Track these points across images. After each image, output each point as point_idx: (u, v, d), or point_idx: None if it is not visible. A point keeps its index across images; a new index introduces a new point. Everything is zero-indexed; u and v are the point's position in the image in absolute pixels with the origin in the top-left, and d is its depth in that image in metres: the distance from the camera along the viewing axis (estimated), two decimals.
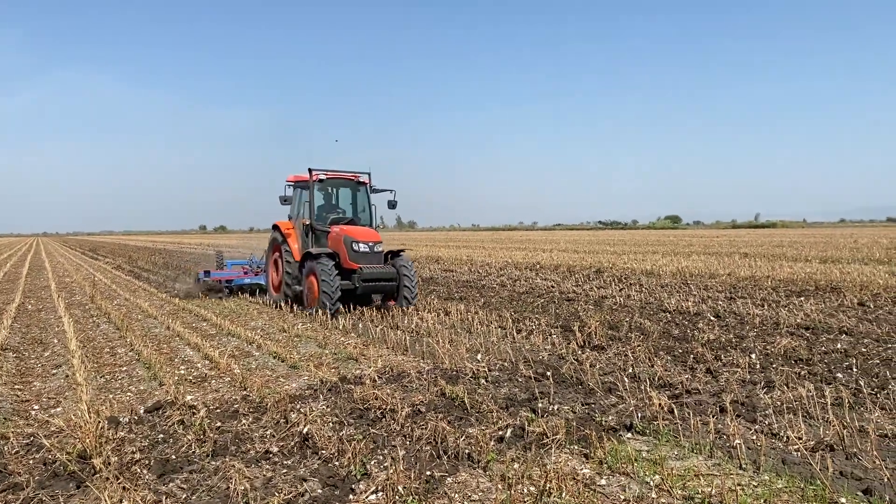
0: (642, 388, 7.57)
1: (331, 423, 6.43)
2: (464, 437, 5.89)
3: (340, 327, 12.51)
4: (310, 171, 15.57)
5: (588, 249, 42.81)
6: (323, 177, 15.71)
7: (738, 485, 4.94)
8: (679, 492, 4.85)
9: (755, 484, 5.02)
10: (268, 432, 6.21)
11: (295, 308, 15.36)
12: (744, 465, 5.35)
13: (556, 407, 6.99)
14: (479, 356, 9.45)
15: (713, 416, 6.43)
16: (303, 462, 5.49)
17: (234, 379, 8.45)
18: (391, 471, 4.96)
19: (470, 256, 36.18)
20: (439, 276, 24.50)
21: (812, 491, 4.83)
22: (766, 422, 6.41)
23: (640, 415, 6.56)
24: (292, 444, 5.86)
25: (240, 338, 11.67)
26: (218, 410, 6.95)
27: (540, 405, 7.05)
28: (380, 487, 4.82)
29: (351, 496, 4.81)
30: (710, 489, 4.80)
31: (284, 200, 16.25)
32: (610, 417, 6.61)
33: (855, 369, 8.49)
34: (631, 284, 20.08)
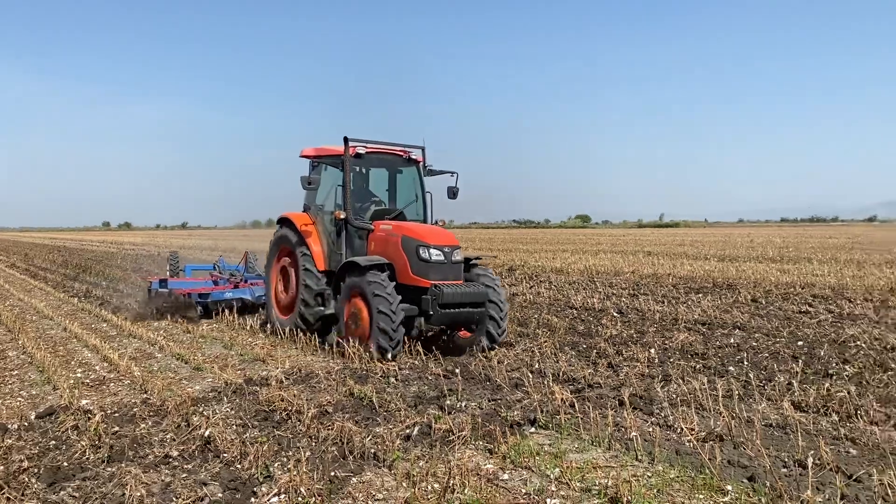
0: (546, 383, 7.76)
1: (234, 426, 6.31)
2: (370, 437, 5.89)
3: (248, 328, 12.26)
4: (346, 140, 10.50)
5: (502, 248, 43.43)
6: (363, 150, 10.72)
7: (634, 476, 5.15)
8: (578, 484, 5.01)
9: (650, 475, 5.23)
10: (168, 436, 6.03)
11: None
12: (640, 457, 5.57)
13: (463, 404, 7.08)
14: (389, 355, 9.45)
15: (612, 410, 6.65)
16: (204, 466, 5.36)
17: (135, 382, 8.17)
18: (294, 472, 4.91)
19: None
20: None
21: (701, 480, 5.07)
22: (662, 414, 6.69)
23: (543, 409, 6.72)
24: (193, 447, 5.71)
25: (141, 339, 11.29)
26: (115, 414, 6.70)
27: (448, 402, 7.13)
28: (282, 490, 4.77)
29: (253, 499, 4.74)
30: (607, 480, 4.96)
31: (309, 183, 10.70)
32: (515, 413, 6.75)
33: (746, 362, 8.96)
34: (541, 282, 20.52)
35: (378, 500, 4.78)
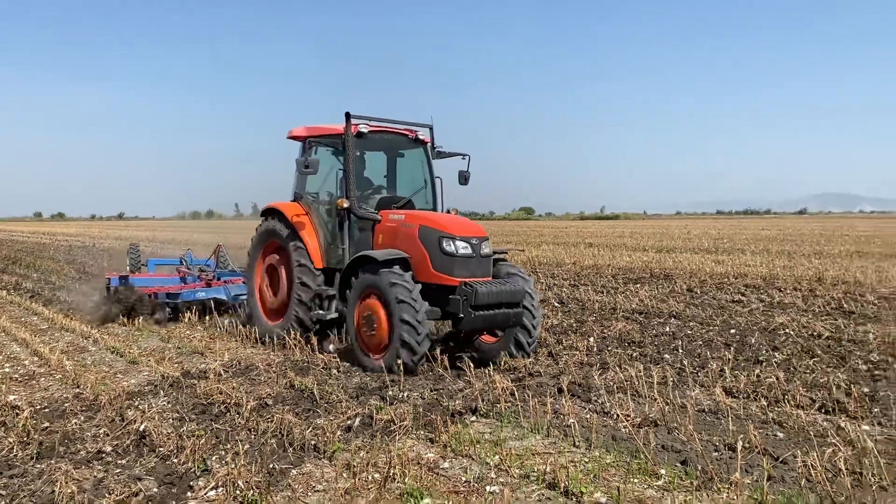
0: (488, 372, 7.83)
1: (171, 420, 6.19)
2: (311, 429, 5.86)
3: (186, 319, 12.01)
4: (347, 117, 9.14)
5: None
6: (366, 129, 9.27)
7: (572, 461, 5.25)
8: (517, 471, 5.08)
9: (587, 460, 5.34)
10: (101, 431, 5.89)
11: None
12: (577, 443, 5.68)
13: (405, 394, 7.10)
14: (331, 347, 9.40)
15: (552, 398, 6.76)
16: (139, 461, 5.25)
17: (66, 376, 7.93)
18: (232, 465, 4.86)
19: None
20: None
21: (636, 464, 5.20)
22: (599, 401, 6.83)
23: (484, 399, 6.79)
24: (128, 442, 5.59)
25: (75, 332, 10.95)
26: (45, 410, 6.51)
27: (390, 393, 7.14)
28: (220, 483, 4.71)
29: (189, 493, 4.67)
30: (545, 467, 5.05)
31: (306, 167, 9.24)
32: (457, 402, 6.80)
33: (680, 350, 9.20)
34: None
35: (318, 491, 4.76)
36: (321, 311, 9.45)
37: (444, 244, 8.32)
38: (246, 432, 5.86)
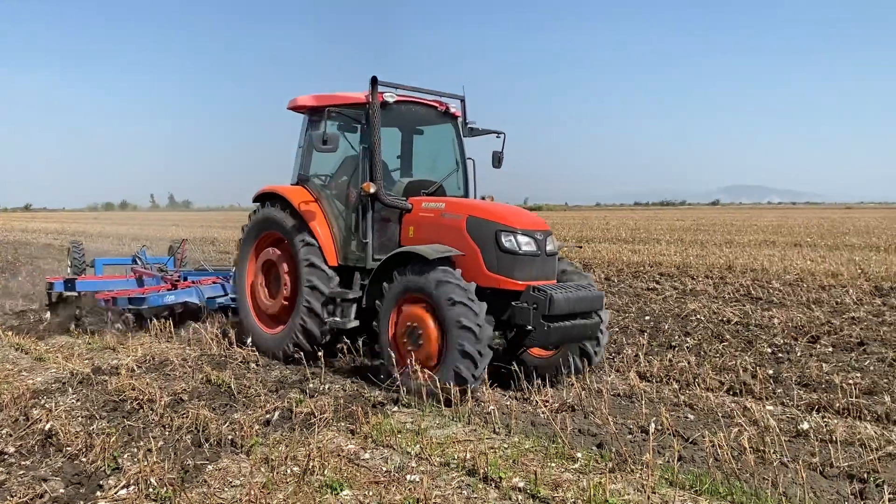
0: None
1: (80, 418, 5.95)
2: (228, 424, 5.73)
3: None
4: (373, 82, 7.52)
5: None
6: (391, 98, 7.83)
7: (491, 448, 5.32)
8: (437, 459, 5.12)
9: (506, 446, 5.43)
10: (3, 432, 5.60)
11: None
12: (497, 430, 5.77)
13: (326, 386, 7.03)
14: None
15: (471, 387, 6.81)
16: (44, 461, 5.03)
17: None
18: (144, 462, 4.71)
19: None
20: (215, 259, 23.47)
21: (554, 448, 5.32)
22: (520, 388, 6.94)
23: (406, 389, 6.78)
24: (33, 442, 5.35)
25: None
26: None
27: (311, 385, 7.07)
28: (132, 481, 4.56)
29: (98, 493, 4.50)
30: (465, 454, 5.10)
31: (325, 142, 7.42)
32: (378, 393, 6.78)
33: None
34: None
35: (234, 486, 4.67)
36: (338, 319, 7.76)
37: (504, 239, 6.91)
38: (160, 429, 5.69)
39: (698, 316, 11.07)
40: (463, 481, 4.77)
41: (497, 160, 8.79)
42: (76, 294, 10.49)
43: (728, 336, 9.48)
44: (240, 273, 9.07)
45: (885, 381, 7.24)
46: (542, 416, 6.08)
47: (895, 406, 6.34)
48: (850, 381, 7.02)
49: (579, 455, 5.19)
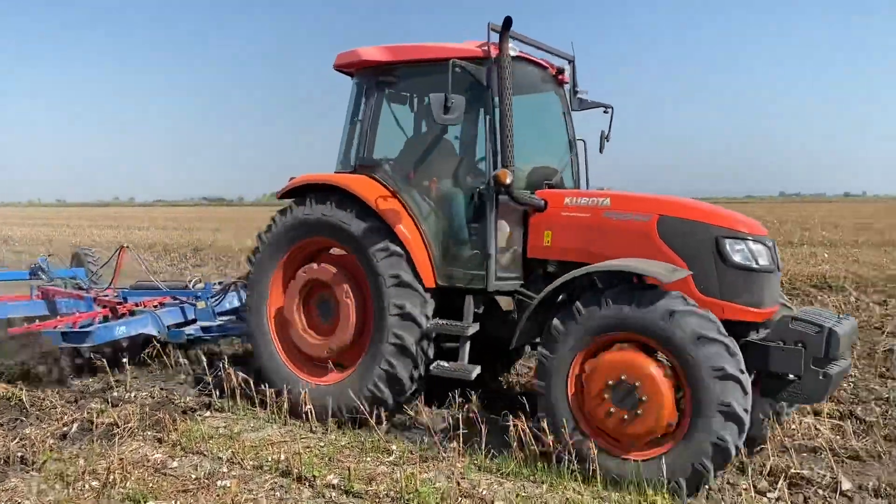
0: (222, 365, 7.57)
1: None
2: (17, 440, 5.29)
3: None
4: (507, 25, 5.37)
5: (189, 227, 41.31)
6: (514, 51, 5.78)
7: (307, 447, 5.32)
8: (251, 462, 5.03)
9: (322, 444, 5.44)
10: None
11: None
12: (314, 429, 5.75)
13: (132, 394, 6.68)
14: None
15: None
16: None
17: None
18: None
19: (49, 236, 32.25)
20: None
21: (371, 443, 5.40)
22: None
23: (219, 392, 6.58)
24: None
25: None
26: None
27: (115, 394, 6.68)
28: None
29: None
30: (280, 455, 5.05)
31: (447, 108, 5.28)
32: (189, 399, 6.54)
33: None
34: (238, 263, 19.93)
35: None
36: (446, 365, 5.66)
37: (731, 249, 5.02)
38: None
39: None
40: (276, 483, 4.74)
41: (604, 142, 6.91)
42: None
43: None
44: (256, 296, 6.45)
45: None
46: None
47: None
48: None
49: (394, 447, 5.30)
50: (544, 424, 4.87)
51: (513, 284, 5.71)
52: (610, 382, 4.61)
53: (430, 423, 5.56)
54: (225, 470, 4.92)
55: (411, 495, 4.41)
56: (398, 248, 5.72)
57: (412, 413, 5.44)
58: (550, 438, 4.83)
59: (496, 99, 5.54)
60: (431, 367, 5.71)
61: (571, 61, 6.75)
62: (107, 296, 8.33)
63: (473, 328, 5.67)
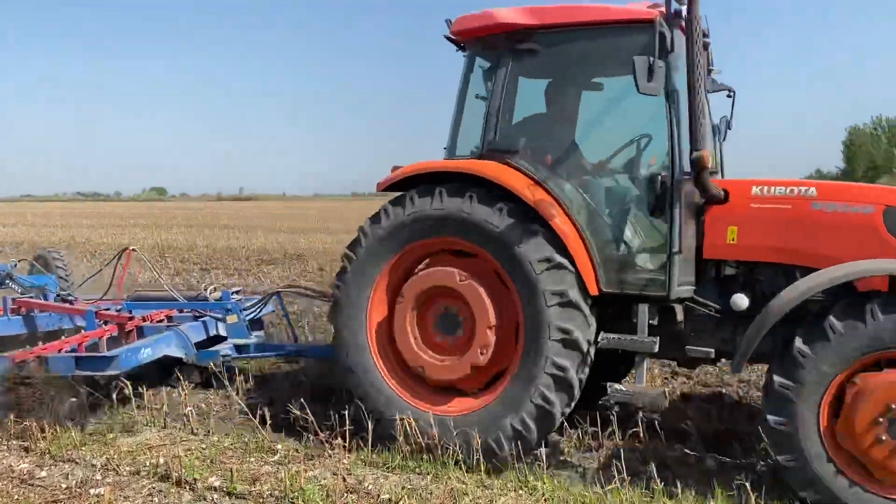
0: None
1: None
2: None
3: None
4: None
5: (61, 223, 38.98)
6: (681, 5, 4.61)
7: (188, 450, 5.19)
8: (127, 468, 4.87)
9: (204, 446, 5.30)
10: None
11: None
12: (195, 430, 5.60)
13: None
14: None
15: (167, 387, 6.47)
16: None
17: None
18: None
19: None
20: None
21: (255, 443, 5.31)
22: (223, 386, 6.75)
23: (94, 397, 6.26)
24: None
25: None
26: None
27: None
28: None
29: None
30: (158, 459, 4.90)
31: (650, 75, 4.45)
32: (63, 406, 6.20)
33: (306, 326, 9.52)
34: (105, 260, 19.01)
35: None
36: (623, 389, 4.91)
37: None
38: None
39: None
40: (155, 488, 4.60)
41: (727, 127, 6.10)
42: None
43: None
44: (349, 305, 5.35)
45: None
46: (238, 414, 5.97)
47: None
48: None
49: (279, 447, 5.24)
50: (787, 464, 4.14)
51: (687, 290, 4.85)
52: (894, 406, 3.89)
53: (315, 420, 5.52)
54: (99, 477, 4.72)
55: (296, 494, 4.38)
56: (563, 260, 4.75)
57: (297, 412, 5.34)
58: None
59: (691, 66, 4.56)
60: (610, 391, 4.88)
61: (707, 34, 5.62)
62: (108, 309, 6.88)
63: (653, 344, 4.74)
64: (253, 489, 4.51)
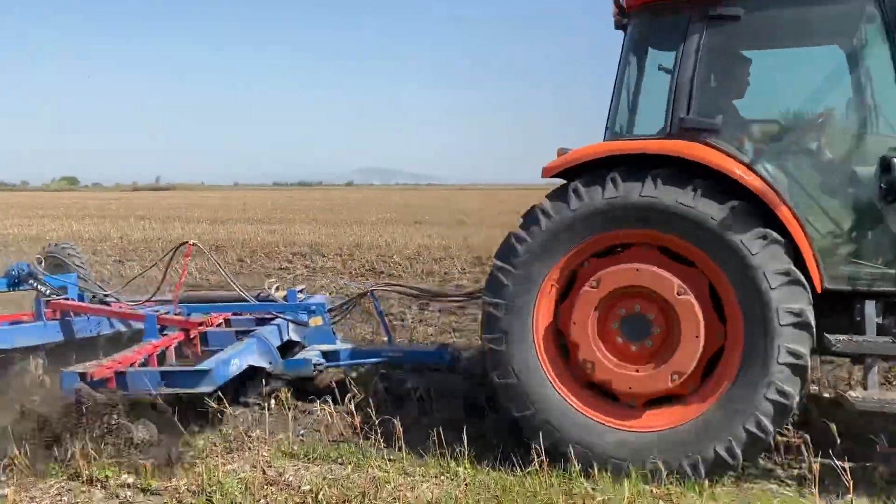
0: None
1: None
2: None
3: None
4: None
5: None
6: None
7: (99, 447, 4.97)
8: None
9: None
10: None
11: None
12: None
13: None
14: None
15: None
16: None
17: None
18: None
19: None
20: None
21: None
22: None
23: None
24: None
25: None
26: None
27: None
28: None
29: None
30: (67, 456, 4.70)
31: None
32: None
33: None
34: (11, 252, 18.12)
35: None
36: (863, 396, 4.22)
37: None
38: None
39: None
40: (64, 487, 4.42)
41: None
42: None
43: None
44: (513, 309, 4.58)
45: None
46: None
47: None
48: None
49: (200, 442, 5.11)
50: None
51: None
52: None
53: (232, 412, 5.44)
54: (3, 479, 4.50)
55: (214, 488, 4.29)
56: (779, 237, 4.20)
57: (215, 405, 5.23)
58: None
59: None
60: (852, 398, 4.15)
61: None
62: (167, 312, 6.06)
63: (891, 346, 4.19)
64: (168, 485, 4.39)
